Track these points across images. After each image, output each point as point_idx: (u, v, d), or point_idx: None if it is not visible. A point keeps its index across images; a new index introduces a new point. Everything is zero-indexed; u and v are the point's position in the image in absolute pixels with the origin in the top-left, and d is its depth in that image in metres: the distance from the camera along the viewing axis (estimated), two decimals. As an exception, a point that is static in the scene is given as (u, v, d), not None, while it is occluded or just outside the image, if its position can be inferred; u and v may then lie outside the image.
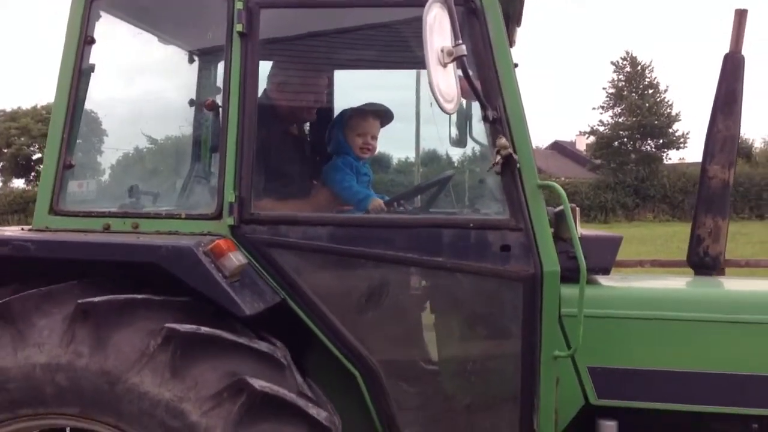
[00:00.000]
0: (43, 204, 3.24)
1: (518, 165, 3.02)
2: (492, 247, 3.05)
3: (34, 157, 47.03)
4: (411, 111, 4.46)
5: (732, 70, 3.80)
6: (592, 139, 49.69)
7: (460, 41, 2.74)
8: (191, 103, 4.22)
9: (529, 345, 3.05)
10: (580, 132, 52.07)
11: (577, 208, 3.25)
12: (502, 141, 2.99)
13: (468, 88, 2.91)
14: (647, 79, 47.98)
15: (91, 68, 3.36)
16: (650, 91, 47.77)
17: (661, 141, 47.02)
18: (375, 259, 3.14)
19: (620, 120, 47.82)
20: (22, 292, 2.85)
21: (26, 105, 50.50)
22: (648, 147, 46.85)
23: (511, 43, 3.73)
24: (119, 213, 3.31)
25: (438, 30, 2.71)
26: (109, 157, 4.28)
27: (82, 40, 3.28)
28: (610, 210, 41.87)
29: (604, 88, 49.00)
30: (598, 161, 47.70)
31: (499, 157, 2.98)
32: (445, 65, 2.72)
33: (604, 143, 47.44)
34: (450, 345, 3.32)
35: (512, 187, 3.04)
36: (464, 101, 3.87)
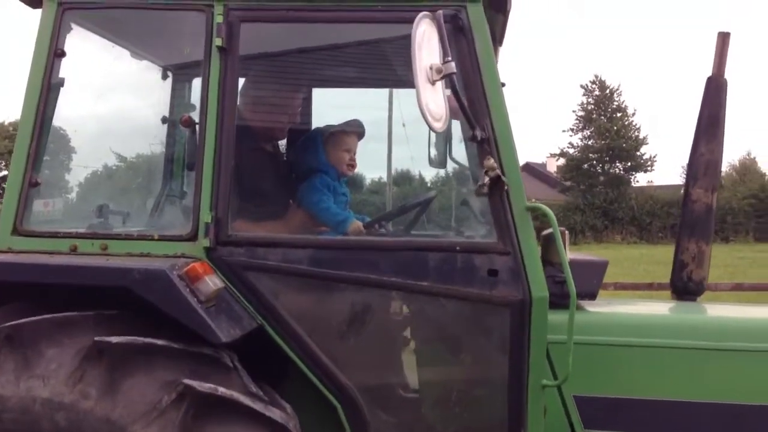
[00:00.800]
0: (6, 223, 3.08)
1: (506, 187, 2.93)
2: (479, 271, 2.96)
3: (1, 174, 46.30)
4: (384, 131, 4.41)
5: (715, 93, 3.77)
6: (562, 161, 50.17)
7: (450, 58, 2.66)
8: (164, 120, 4.10)
9: (517, 373, 2.96)
10: (551, 154, 52.50)
11: (566, 232, 3.17)
12: (490, 162, 2.90)
13: (456, 107, 2.83)
14: (615, 103, 48.69)
15: (61, 82, 3.23)
16: (618, 115, 48.45)
17: (629, 164, 47.66)
18: (357, 283, 3.03)
19: (589, 143, 48.40)
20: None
21: (-6, 121, 49.68)
22: (617, 169, 47.45)
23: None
24: (87, 234, 3.16)
25: (427, 47, 2.63)
26: (76, 175, 4.14)
27: (51, 52, 3.15)
28: (579, 232, 42.22)
29: (573, 111, 49.66)
30: (568, 183, 48.18)
31: (487, 179, 2.89)
32: (434, 83, 2.64)
33: (574, 165, 47.95)
34: (435, 373, 3.21)
35: (500, 210, 2.95)
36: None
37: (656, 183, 49.14)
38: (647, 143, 47.96)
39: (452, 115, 2.91)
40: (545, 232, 3.16)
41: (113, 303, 2.82)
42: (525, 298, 2.92)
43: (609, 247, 36.31)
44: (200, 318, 2.72)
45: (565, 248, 3.02)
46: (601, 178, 47.05)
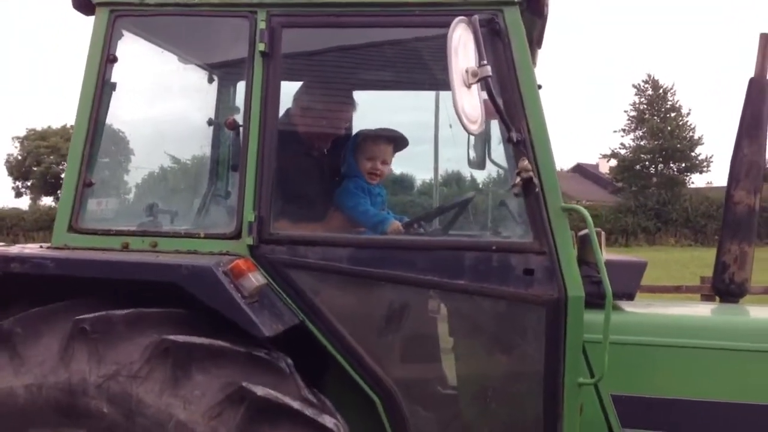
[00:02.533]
0: (63, 222, 3.23)
1: (537, 189, 2.97)
2: (515, 270, 3.00)
3: (63, 175, 47.68)
4: (430, 133, 4.44)
5: (757, 94, 3.75)
6: (614, 162, 49.42)
7: (485, 62, 2.71)
8: (210, 122, 4.22)
9: (553, 371, 2.99)
10: (602, 155, 51.72)
11: (602, 232, 3.19)
12: (525, 163, 2.94)
13: (492, 109, 2.87)
14: (669, 102, 47.80)
15: (113, 86, 3.35)
16: (672, 115, 47.54)
17: (683, 164, 46.69)
18: (395, 281, 3.09)
19: (642, 143, 47.59)
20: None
21: (56, 124, 51.31)
22: (670, 170, 46.52)
23: (533, 64, 3.70)
24: (138, 231, 3.29)
25: (462, 50, 2.69)
26: (127, 175, 4.28)
27: (104, 58, 3.28)
28: (631, 234, 41.53)
29: (625, 111, 48.92)
30: (620, 184, 47.43)
31: (519, 179, 2.93)
32: (469, 86, 2.69)
33: (626, 166, 47.19)
34: (472, 370, 3.25)
35: (536, 210, 2.99)
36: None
37: (716, 184, 47.85)
38: (702, 143, 47.00)
39: (489, 117, 2.95)
40: (581, 233, 3.18)
41: (161, 298, 2.95)
42: (561, 297, 2.95)
43: (661, 249, 35.64)
44: (244, 313, 2.82)
45: (600, 248, 3.04)
46: (654, 180, 46.21)
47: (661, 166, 46.86)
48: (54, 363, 2.78)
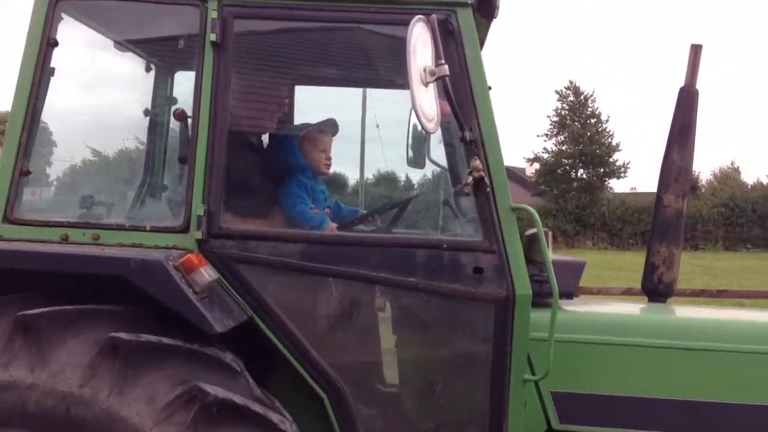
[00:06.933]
0: None
1: (488, 188, 3.01)
2: (465, 269, 3.04)
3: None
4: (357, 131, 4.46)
5: (686, 103, 3.90)
6: (537, 165, 50.50)
7: (443, 61, 2.74)
8: (146, 112, 4.12)
9: (499, 368, 3.04)
10: (526, 158, 52.82)
11: (549, 232, 3.26)
12: (476, 163, 2.98)
13: (446, 109, 2.90)
14: (590, 109, 49.13)
15: (52, 72, 3.24)
16: (592, 121, 48.88)
17: (602, 170, 48.06)
18: (346, 277, 3.09)
19: (563, 148, 48.77)
20: None
21: (-18, 111, 49.02)
22: (590, 175, 47.80)
23: None
24: (79, 223, 3.18)
25: (421, 49, 2.70)
26: (62, 165, 4.14)
27: (44, 42, 3.16)
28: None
29: (548, 116, 50.00)
30: (542, 187, 48.51)
31: (470, 179, 2.97)
32: (427, 84, 2.71)
33: (548, 170, 48.29)
34: (420, 367, 3.27)
35: (486, 210, 3.03)
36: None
37: (640, 190, 49.36)
38: (620, 150, 48.41)
39: (444, 115, 2.98)
40: (528, 232, 3.24)
41: (102, 293, 2.86)
42: (509, 295, 3.00)
43: (579, 252, 36.66)
44: (195, 308, 2.77)
45: (548, 248, 3.12)
46: (575, 184, 47.43)
47: (581, 170, 48.14)
48: None
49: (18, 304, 2.76)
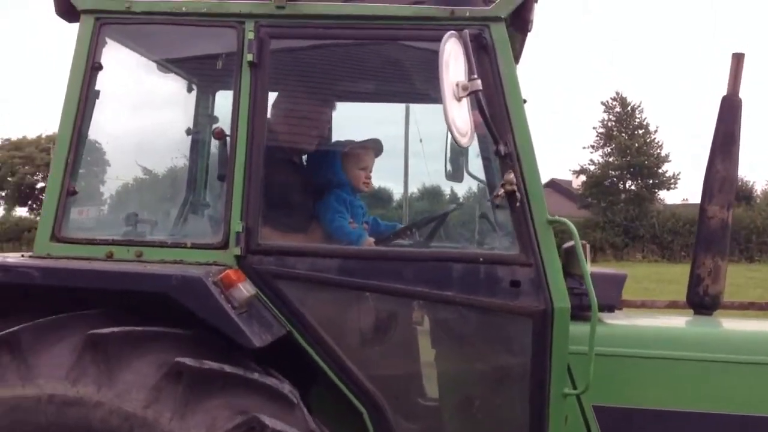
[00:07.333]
0: (45, 230, 3.19)
1: (518, 202, 3.01)
2: (502, 282, 3.03)
3: (38, 185, 47.09)
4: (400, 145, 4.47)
5: (729, 112, 3.84)
6: (583, 177, 49.92)
7: (475, 75, 2.75)
8: (188, 131, 4.21)
9: (539, 382, 3.02)
10: (572, 171, 52.25)
11: (587, 245, 3.24)
12: (510, 176, 2.99)
13: (479, 123, 2.91)
14: (637, 120, 48.46)
15: (97, 95, 3.33)
16: (640, 132, 48.20)
17: (651, 181, 47.30)
18: (383, 292, 3.11)
19: (610, 159, 48.16)
20: (25, 322, 2.80)
21: (31, 134, 50.48)
22: (639, 187, 47.06)
23: None
24: (123, 241, 3.26)
25: (453, 64, 2.72)
26: (109, 184, 4.25)
27: (89, 66, 3.26)
28: (599, 249, 41.88)
29: (594, 128, 49.47)
30: (589, 200, 47.91)
31: (502, 191, 2.97)
32: (460, 99, 2.72)
33: (595, 182, 47.71)
34: (458, 381, 3.27)
35: (522, 223, 3.03)
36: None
37: (691, 201, 48.32)
38: (670, 161, 47.60)
39: (477, 130, 2.99)
40: (566, 245, 3.22)
41: (148, 309, 2.92)
42: (547, 308, 2.98)
43: (627, 265, 36.02)
44: (234, 323, 2.81)
45: (586, 261, 3.09)
46: (623, 196, 46.75)
47: (629, 182, 47.45)
48: (62, 376, 2.73)
49: (88, 321, 2.83)
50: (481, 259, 3.08)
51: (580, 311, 3.07)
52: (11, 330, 2.77)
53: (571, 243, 3.09)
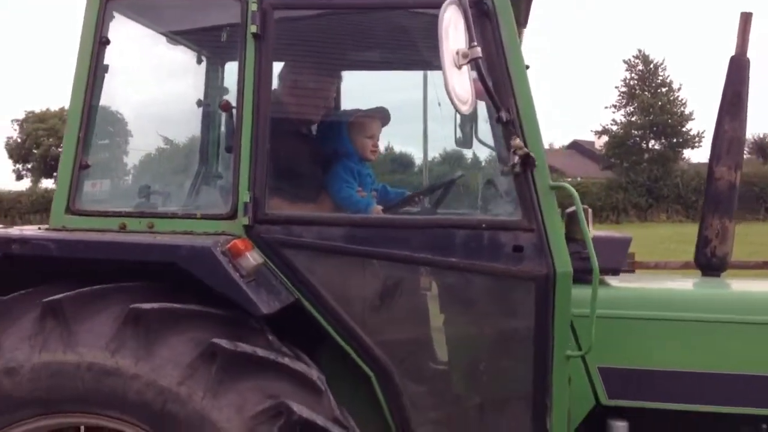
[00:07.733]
0: (60, 203, 3.28)
1: (535, 163, 3.02)
2: (505, 247, 3.07)
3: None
4: (418, 111, 4.48)
5: (737, 72, 3.81)
6: (605, 138, 49.41)
7: (475, 43, 2.76)
8: (199, 103, 4.26)
9: (542, 345, 3.07)
10: (594, 131, 51.69)
11: (590, 209, 3.26)
12: (517, 141, 3.00)
13: (481, 90, 2.92)
14: (660, 78, 47.74)
15: (105, 69, 3.38)
16: (663, 90, 47.49)
17: (674, 140, 46.69)
18: (389, 259, 3.16)
19: (633, 119, 47.57)
20: (44, 292, 2.89)
21: (54, 106, 50.95)
22: (662, 146, 46.48)
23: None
24: (135, 213, 3.34)
25: (453, 32, 2.73)
26: (120, 157, 4.32)
27: (96, 40, 3.31)
28: (622, 210, 41.60)
29: (616, 87, 48.84)
30: (612, 160, 47.45)
31: (516, 157, 2.98)
32: (460, 67, 2.73)
33: (617, 142, 47.20)
34: (462, 345, 3.32)
35: (525, 188, 3.05)
36: None
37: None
38: (693, 119, 46.97)
39: (478, 97, 3.01)
40: (569, 210, 3.25)
41: (159, 279, 3.01)
42: (549, 272, 3.02)
43: (651, 226, 35.70)
44: (242, 291, 2.88)
45: (588, 226, 3.12)
46: (646, 156, 46.24)
47: (652, 141, 46.88)
48: (103, 346, 2.82)
49: (129, 293, 2.93)
50: (483, 225, 3.11)
51: (587, 275, 3.10)
52: (55, 297, 2.86)
53: (573, 208, 3.11)
